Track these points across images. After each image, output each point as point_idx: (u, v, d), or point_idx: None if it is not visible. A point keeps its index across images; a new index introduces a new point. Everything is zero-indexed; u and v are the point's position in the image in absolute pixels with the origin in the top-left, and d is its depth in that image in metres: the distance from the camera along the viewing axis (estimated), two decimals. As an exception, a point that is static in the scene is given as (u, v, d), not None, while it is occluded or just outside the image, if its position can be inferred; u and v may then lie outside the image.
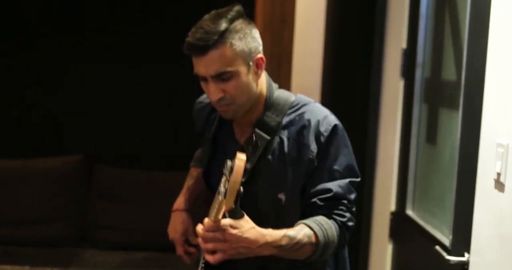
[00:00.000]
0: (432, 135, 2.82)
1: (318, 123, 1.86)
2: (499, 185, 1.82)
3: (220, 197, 1.61)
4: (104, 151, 4.38)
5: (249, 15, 1.90)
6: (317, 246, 1.78)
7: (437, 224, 2.60)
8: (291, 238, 1.75)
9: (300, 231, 1.77)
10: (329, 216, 1.84)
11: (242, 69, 1.80)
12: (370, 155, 3.38)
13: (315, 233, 1.77)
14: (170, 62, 4.30)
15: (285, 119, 1.89)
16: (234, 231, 1.67)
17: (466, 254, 2.10)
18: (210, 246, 1.69)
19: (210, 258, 1.70)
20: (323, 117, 1.88)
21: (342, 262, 1.97)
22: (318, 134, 1.85)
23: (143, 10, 4.35)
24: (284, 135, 1.88)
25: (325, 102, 3.67)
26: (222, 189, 1.57)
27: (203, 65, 1.78)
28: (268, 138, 1.88)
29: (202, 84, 1.85)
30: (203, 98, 2.09)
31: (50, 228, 4.11)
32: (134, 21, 4.34)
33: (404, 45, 3.05)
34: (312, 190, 1.86)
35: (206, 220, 1.71)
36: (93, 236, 4.18)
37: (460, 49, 2.42)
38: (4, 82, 4.38)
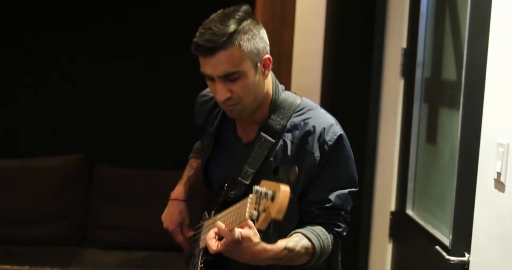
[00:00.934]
0: (432, 134, 2.82)
1: (323, 131, 1.87)
2: (499, 185, 1.82)
3: (247, 214, 1.60)
4: (104, 150, 4.38)
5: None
6: (313, 256, 1.82)
7: (437, 224, 2.60)
8: (290, 250, 1.77)
9: (299, 242, 1.79)
10: (325, 225, 1.87)
11: (250, 70, 1.80)
12: (370, 154, 3.38)
13: (312, 244, 1.81)
14: (170, 62, 4.31)
15: (290, 123, 1.89)
16: (243, 245, 1.68)
17: (466, 254, 2.09)
18: (218, 248, 1.71)
19: (212, 244, 1.71)
20: (328, 125, 1.88)
21: (334, 267, 1.99)
22: (323, 142, 1.86)
23: (143, 9, 4.35)
24: (288, 138, 1.88)
25: (325, 101, 3.67)
26: (254, 212, 1.55)
27: (211, 66, 1.78)
28: (273, 141, 1.88)
29: (208, 82, 1.85)
30: (207, 91, 2.08)
31: (50, 227, 4.11)
32: (135, 21, 4.34)
33: (404, 44, 3.05)
34: (311, 198, 1.88)
35: (221, 225, 1.70)
36: (93, 236, 4.18)
37: (461, 48, 2.42)
38: (3, 81, 4.38)
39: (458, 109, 2.21)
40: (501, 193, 1.81)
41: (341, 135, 1.88)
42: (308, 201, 1.88)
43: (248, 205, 1.60)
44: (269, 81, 1.92)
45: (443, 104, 2.70)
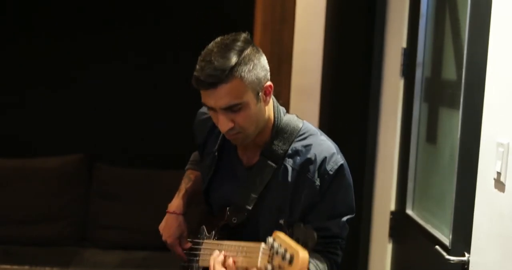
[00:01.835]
0: (432, 134, 2.81)
1: (324, 160, 1.87)
2: (499, 185, 1.82)
3: (259, 264, 1.62)
4: (104, 150, 4.38)
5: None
6: None
7: (437, 224, 2.60)
8: None
9: None
10: (323, 254, 1.89)
11: (252, 99, 1.80)
12: (370, 154, 3.38)
13: None
14: (170, 62, 4.31)
15: (292, 148, 1.90)
16: None
17: (466, 254, 2.09)
18: None
19: None
20: (330, 154, 1.88)
21: None
22: (324, 171, 1.87)
23: (143, 9, 4.35)
24: (289, 163, 1.89)
25: (325, 101, 3.67)
26: (268, 265, 1.57)
27: (213, 99, 1.78)
28: (275, 166, 1.89)
29: (210, 112, 1.85)
30: (207, 109, 2.08)
31: (50, 227, 4.11)
32: (135, 21, 4.35)
33: (404, 44, 3.05)
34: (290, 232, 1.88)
35: (231, 263, 1.73)
36: (93, 235, 4.18)
37: (461, 48, 2.42)
38: (4, 81, 4.38)
39: (458, 109, 2.21)
40: (501, 193, 1.81)
41: (342, 164, 1.89)
42: None
43: (261, 254, 1.62)
44: (270, 106, 1.92)
45: (443, 104, 2.70)
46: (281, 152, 1.90)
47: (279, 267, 1.53)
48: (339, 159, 1.89)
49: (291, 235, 1.60)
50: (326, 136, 1.96)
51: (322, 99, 3.71)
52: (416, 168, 2.90)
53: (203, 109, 2.09)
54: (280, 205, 1.89)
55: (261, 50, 1.86)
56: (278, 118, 1.93)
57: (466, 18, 2.17)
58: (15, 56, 4.36)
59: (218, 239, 1.93)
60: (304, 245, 1.55)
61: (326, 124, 3.52)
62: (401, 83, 3.06)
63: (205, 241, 1.99)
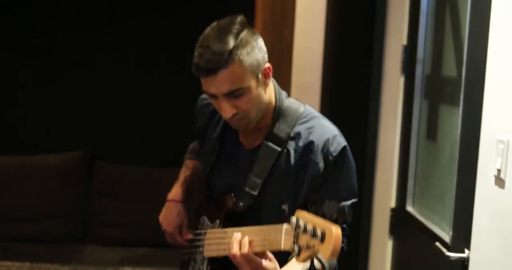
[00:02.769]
0: (432, 131, 2.82)
1: (327, 141, 1.85)
2: (500, 182, 1.82)
3: (282, 245, 1.58)
4: (104, 148, 4.38)
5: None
6: None
7: (437, 220, 2.61)
8: None
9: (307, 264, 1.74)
10: None
11: (252, 83, 1.78)
12: (371, 151, 3.38)
13: (322, 265, 1.75)
14: (170, 61, 4.31)
15: (294, 131, 1.88)
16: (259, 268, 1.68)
17: (466, 250, 2.10)
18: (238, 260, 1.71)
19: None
20: (332, 136, 1.86)
21: None
22: (327, 153, 1.84)
23: (142, 9, 4.35)
24: (292, 146, 1.88)
25: (325, 99, 3.67)
26: (295, 246, 1.51)
27: (214, 85, 1.76)
28: (279, 149, 1.87)
29: (212, 100, 1.84)
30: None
31: (50, 224, 4.12)
32: (135, 21, 4.34)
33: (404, 41, 3.05)
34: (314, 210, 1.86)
35: (246, 243, 1.70)
36: (93, 233, 4.18)
37: (461, 45, 2.42)
38: (4, 79, 4.38)
39: (458, 106, 2.21)
40: (501, 190, 1.81)
41: (345, 146, 1.86)
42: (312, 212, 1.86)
43: (284, 236, 1.58)
44: (271, 89, 1.90)
45: (443, 101, 2.70)
46: (284, 135, 1.88)
47: (308, 246, 1.46)
48: (342, 141, 1.87)
49: (316, 213, 1.50)
50: (328, 119, 1.94)
51: (323, 96, 3.71)
52: (416, 165, 2.90)
53: (204, 95, 2.06)
54: (284, 188, 1.87)
55: (257, 32, 1.84)
56: (279, 101, 1.91)
57: (466, 15, 2.16)
58: (15, 55, 4.36)
59: (224, 227, 1.89)
60: (335, 221, 1.46)
61: (326, 122, 3.52)
62: (401, 80, 3.06)
63: (208, 230, 1.96)
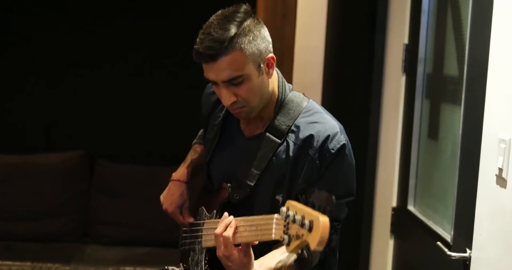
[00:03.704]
0: (433, 130, 2.81)
1: (327, 138, 1.84)
2: (501, 181, 1.82)
3: (273, 235, 1.59)
4: (105, 146, 4.38)
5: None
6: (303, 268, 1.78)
7: (438, 220, 2.60)
8: (283, 264, 1.76)
9: (291, 257, 1.74)
10: None
11: (253, 72, 1.78)
12: (372, 150, 3.38)
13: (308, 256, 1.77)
14: (171, 60, 4.32)
15: (295, 124, 1.88)
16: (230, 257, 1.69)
17: (467, 250, 2.09)
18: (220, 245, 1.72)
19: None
20: (334, 133, 1.85)
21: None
22: (326, 149, 1.83)
23: (143, 8, 4.35)
24: (291, 139, 1.87)
25: (326, 97, 3.66)
26: (284, 235, 1.51)
27: (214, 72, 1.76)
28: (278, 141, 1.87)
29: (214, 87, 1.83)
30: None
31: (51, 223, 4.12)
32: (136, 21, 4.35)
33: (406, 40, 3.04)
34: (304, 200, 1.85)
35: (233, 226, 1.71)
36: (95, 232, 4.18)
37: (462, 44, 2.42)
38: (6, 78, 4.38)
39: (460, 105, 2.21)
40: (503, 189, 1.81)
41: (344, 144, 1.85)
42: None
43: (274, 226, 1.58)
44: (275, 79, 1.90)
45: (445, 100, 2.70)
46: (285, 127, 1.87)
47: (297, 236, 1.46)
48: (342, 138, 1.85)
49: (306, 202, 1.50)
50: (331, 115, 1.92)
51: (324, 95, 3.70)
52: (418, 164, 2.90)
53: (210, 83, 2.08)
54: (279, 180, 1.86)
55: (262, 22, 1.84)
56: (282, 93, 1.90)
57: (468, 14, 2.16)
58: (17, 54, 4.36)
59: (220, 217, 1.87)
60: (322, 210, 1.46)
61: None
62: (402, 79, 3.06)
63: (206, 221, 1.96)
